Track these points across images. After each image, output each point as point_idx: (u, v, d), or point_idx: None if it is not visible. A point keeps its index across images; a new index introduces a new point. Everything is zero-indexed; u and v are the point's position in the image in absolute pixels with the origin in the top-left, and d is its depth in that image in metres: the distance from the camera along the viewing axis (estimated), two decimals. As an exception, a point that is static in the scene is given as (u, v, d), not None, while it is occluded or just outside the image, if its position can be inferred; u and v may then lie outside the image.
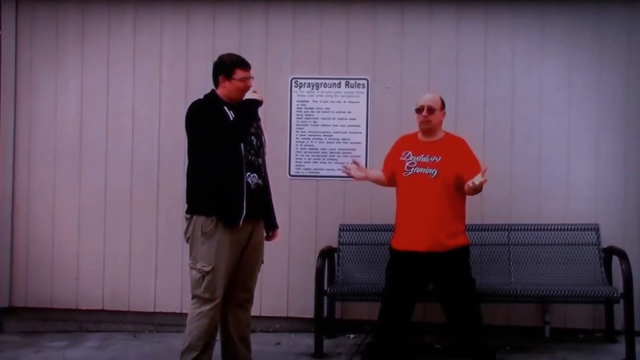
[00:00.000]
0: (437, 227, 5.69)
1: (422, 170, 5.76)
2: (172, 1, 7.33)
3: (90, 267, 7.34)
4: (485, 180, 5.48)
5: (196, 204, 5.33)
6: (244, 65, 5.42)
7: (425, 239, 5.68)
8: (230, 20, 7.27)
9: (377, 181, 6.22)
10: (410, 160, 5.83)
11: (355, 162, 6.21)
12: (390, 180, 6.04)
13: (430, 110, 5.81)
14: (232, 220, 5.26)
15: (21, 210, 7.44)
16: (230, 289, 5.42)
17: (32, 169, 7.44)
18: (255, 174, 5.39)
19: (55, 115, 7.44)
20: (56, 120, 7.44)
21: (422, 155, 5.80)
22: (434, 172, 5.72)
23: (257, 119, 5.54)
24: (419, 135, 5.95)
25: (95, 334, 7.14)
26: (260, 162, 5.50)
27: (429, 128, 5.85)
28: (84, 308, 7.36)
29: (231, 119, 5.28)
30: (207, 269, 5.26)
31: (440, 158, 5.76)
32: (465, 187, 5.55)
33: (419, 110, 5.85)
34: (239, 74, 5.37)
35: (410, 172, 5.79)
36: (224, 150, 5.25)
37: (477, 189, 5.51)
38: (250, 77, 5.44)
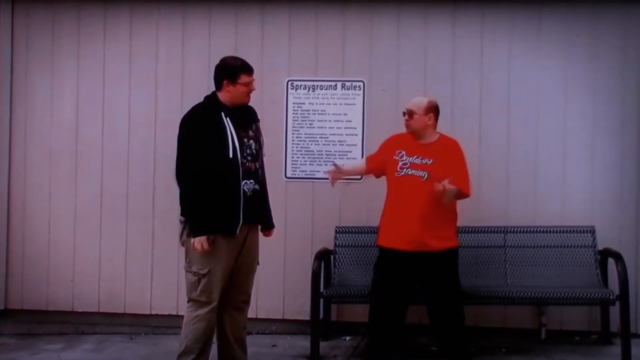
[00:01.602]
0: (423, 229, 5.74)
1: (413, 172, 5.82)
2: (168, 3, 7.33)
3: (86, 270, 7.34)
4: (445, 188, 5.52)
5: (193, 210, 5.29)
6: (249, 70, 5.40)
7: (411, 239, 5.76)
8: (226, 22, 7.27)
9: (352, 173, 6.33)
10: (403, 160, 5.88)
11: (334, 165, 6.21)
12: (373, 171, 6.13)
13: (410, 113, 5.87)
14: (229, 231, 5.25)
15: (17, 212, 7.44)
16: (227, 291, 5.41)
17: (28, 171, 7.44)
18: (252, 180, 5.35)
19: (51, 118, 7.44)
20: (52, 122, 7.43)
21: (415, 157, 5.86)
22: (425, 174, 5.78)
23: (256, 120, 5.52)
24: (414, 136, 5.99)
25: (91, 337, 7.13)
26: (258, 166, 5.45)
27: (411, 131, 5.92)
28: (80, 310, 7.35)
29: (228, 127, 5.24)
30: (203, 272, 5.25)
31: (431, 161, 5.81)
32: (435, 190, 5.58)
33: (403, 114, 5.96)
34: (244, 78, 5.35)
35: (402, 173, 5.85)
36: (219, 161, 5.20)
37: (443, 195, 5.58)
38: (253, 81, 5.42)
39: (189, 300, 5.34)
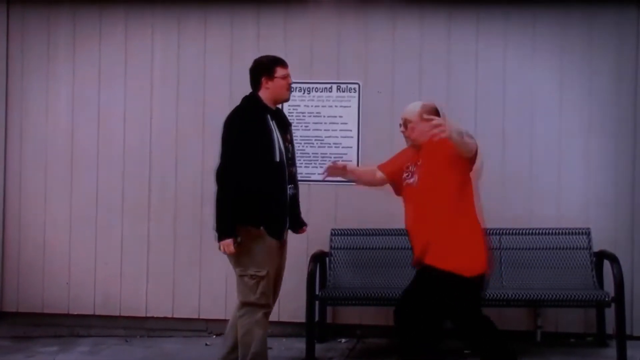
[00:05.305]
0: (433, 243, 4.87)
1: (409, 180, 4.96)
2: (163, 5, 7.33)
3: (82, 272, 7.33)
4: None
5: (241, 214, 5.13)
6: (283, 62, 5.37)
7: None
8: (222, 26, 7.26)
9: (363, 178, 5.39)
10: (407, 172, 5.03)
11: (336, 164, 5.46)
12: (388, 180, 5.20)
13: (405, 123, 4.99)
14: (277, 235, 5.20)
15: (12, 215, 7.43)
16: None
17: (24, 174, 7.43)
18: (292, 185, 5.34)
19: (47, 121, 7.43)
20: (47, 125, 7.42)
21: (411, 166, 4.99)
22: (414, 180, 4.92)
23: (288, 124, 5.48)
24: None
25: (86, 339, 7.11)
26: (295, 170, 5.44)
27: (413, 144, 5.01)
28: (76, 313, 7.34)
29: (274, 130, 5.17)
30: (262, 273, 5.13)
31: (421, 160, 4.90)
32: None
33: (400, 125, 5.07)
34: (280, 71, 5.31)
35: (404, 184, 5.02)
36: (266, 165, 5.12)
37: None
38: (289, 75, 5.37)
39: (245, 306, 5.17)
